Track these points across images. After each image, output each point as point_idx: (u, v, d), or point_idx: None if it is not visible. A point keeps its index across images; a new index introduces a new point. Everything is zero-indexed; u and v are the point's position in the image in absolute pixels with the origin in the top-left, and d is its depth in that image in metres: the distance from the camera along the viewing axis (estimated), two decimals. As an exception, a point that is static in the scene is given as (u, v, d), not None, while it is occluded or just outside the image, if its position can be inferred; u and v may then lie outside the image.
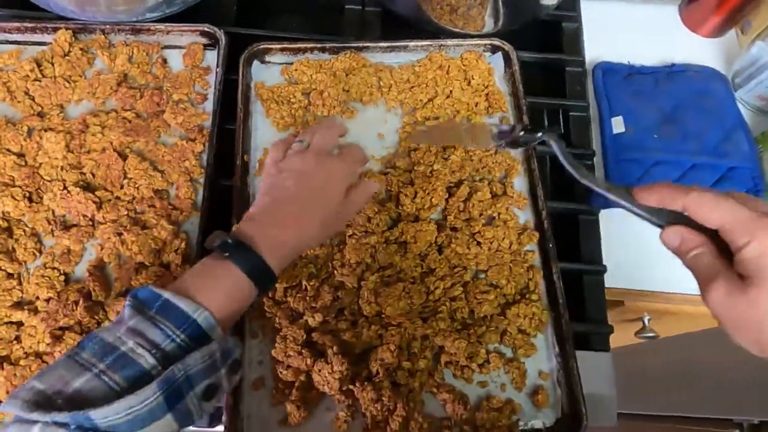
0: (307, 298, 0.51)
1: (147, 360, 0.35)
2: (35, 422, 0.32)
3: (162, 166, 0.58)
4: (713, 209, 0.32)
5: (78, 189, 0.54)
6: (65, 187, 0.55)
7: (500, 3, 0.62)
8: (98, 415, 0.32)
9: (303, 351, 0.49)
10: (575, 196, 0.62)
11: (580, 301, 0.58)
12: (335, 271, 0.53)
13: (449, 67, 0.64)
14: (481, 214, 0.57)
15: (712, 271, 0.32)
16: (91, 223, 0.55)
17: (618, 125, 0.63)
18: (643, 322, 0.70)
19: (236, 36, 0.66)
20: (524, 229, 0.57)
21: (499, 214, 0.57)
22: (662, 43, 0.71)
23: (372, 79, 0.62)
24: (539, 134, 0.46)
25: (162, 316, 0.37)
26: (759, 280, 0.30)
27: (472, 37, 0.65)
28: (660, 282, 0.62)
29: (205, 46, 0.64)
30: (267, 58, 0.64)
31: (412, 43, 0.64)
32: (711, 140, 0.63)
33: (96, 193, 0.55)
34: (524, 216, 0.59)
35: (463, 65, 0.64)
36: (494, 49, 0.65)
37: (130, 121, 0.59)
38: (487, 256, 0.54)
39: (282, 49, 0.63)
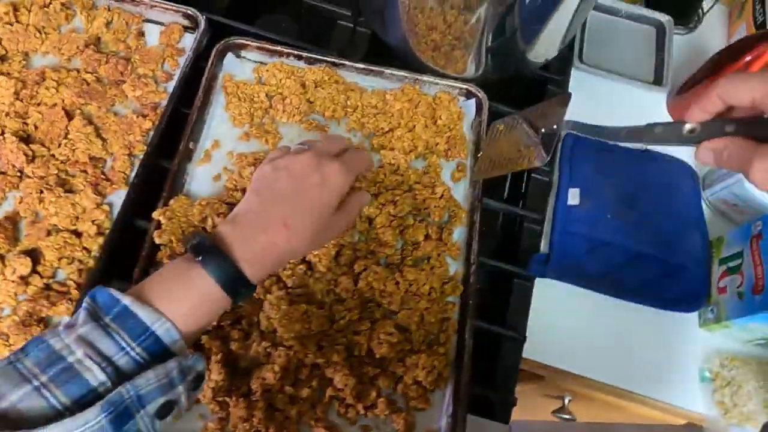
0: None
1: (96, 375, 0.32)
2: None
3: (106, 134, 0.57)
4: (742, 87, 0.33)
5: (14, 138, 0.54)
6: (3, 133, 0.54)
7: (484, 50, 0.61)
8: None
9: (187, 351, 0.47)
10: (516, 260, 0.61)
11: (492, 367, 0.56)
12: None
13: (419, 102, 0.63)
14: (410, 254, 0.55)
15: (746, 155, 0.33)
16: (19, 174, 0.54)
17: (573, 197, 0.62)
18: (563, 402, 0.67)
19: (220, 25, 0.66)
20: (450, 279, 0.55)
21: (428, 258, 0.56)
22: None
23: (340, 96, 0.62)
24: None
25: (118, 324, 0.34)
26: None
27: (451, 78, 0.65)
28: (582, 365, 0.60)
29: (186, 29, 0.64)
30: (242, 54, 0.63)
31: (388, 71, 0.64)
32: (665, 234, 0.62)
33: (32, 145, 0.54)
34: (455, 266, 0.57)
35: (434, 104, 0.63)
36: (469, 95, 0.64)
37: (88, 84, 0.59)
38: (403, 297, 0.53)
39: (259, 48, 0.63)
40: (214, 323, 0.49)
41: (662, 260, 0.61)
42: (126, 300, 0.34)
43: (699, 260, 0.62)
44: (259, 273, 0.40)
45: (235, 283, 0.38)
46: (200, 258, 0.37)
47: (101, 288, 0.35)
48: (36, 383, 0.31)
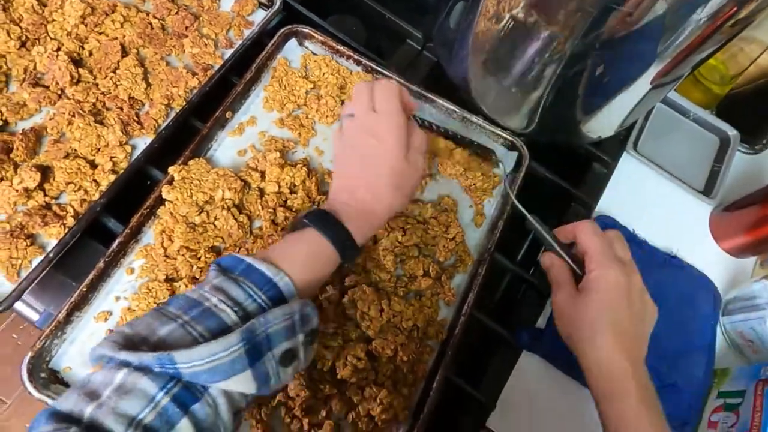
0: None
1: (229, 315, 0.36)
2: (120, 368, 0.32)
3: (153, 80, 0.57)
4: (590, 238, 0.46)
5: (66, 58, 0.55)
6: (58, 49, 0.55)
7: (540, 108, 0.60)
8: (182, 358, 0.32)
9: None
10: (510, 325, 0.58)
11: (454, 423, 0.54)
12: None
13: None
14: (404, 286, 0.54)
15: (563, 280, 0.46)
16: (59, 93, 0.55)
17: (585, 281, 0.59)
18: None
19: (294, 11, 0.67)
20: (437, 324, 0.53)
21: (421, 295, 0.54)
22: (677, 230, 0.67)
23: (380, 109, 0.61)
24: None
25: (245, 277, 0.38)
26: (592, 292, 0.44)
27: (499, 126, 0.63)
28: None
29: (261, 5, 0.65)
30: (306, 43, 0.64)
31: (440, 101, 0.63)
32: (667, 348, 0.58)
33: (81, 69, 0.55)
34: (445, 312, 0.55)
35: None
36: (512, 148, 0.63)
37: (152, 28, 0.60)
38: (383, 326, 0.51)
39: (323, 43, 0.63)
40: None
41: (654, 374, 0.57)
42: (248, 259, 0.39)
43: (696, 386, 0.58)
44: (361, 232, 0.44)
45: (341, 239, 0.43)
46: (308, 222, 0.42)
47: (224, 256, 0.40)
48: (180, 321, 0.35)
